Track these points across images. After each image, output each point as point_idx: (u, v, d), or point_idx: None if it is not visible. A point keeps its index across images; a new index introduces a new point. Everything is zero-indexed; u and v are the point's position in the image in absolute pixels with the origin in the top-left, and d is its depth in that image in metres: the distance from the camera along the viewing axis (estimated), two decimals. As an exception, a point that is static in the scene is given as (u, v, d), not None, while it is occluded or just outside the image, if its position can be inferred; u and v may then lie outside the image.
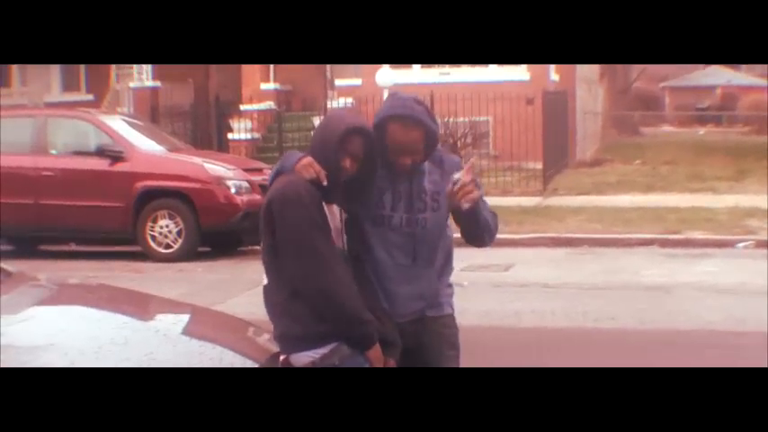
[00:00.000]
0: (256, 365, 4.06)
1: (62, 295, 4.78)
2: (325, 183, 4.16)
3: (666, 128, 50.45)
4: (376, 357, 4.21)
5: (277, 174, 4.30)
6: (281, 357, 4.24)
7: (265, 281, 4.33)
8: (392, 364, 4.28)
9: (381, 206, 4.43)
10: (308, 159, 4.21)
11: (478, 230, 4.50)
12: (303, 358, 4.17)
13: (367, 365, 4.18)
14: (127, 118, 17.82)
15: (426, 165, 4.46)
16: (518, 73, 22.33)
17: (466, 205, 4.33)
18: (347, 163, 4.21)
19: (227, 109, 24.11)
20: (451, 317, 4.65)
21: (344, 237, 4.33)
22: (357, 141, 4.21)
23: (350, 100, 22.04)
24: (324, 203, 4.22)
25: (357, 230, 4.39)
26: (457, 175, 4.31)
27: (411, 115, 4.34)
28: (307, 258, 4.12)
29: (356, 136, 4.22)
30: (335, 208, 4.30)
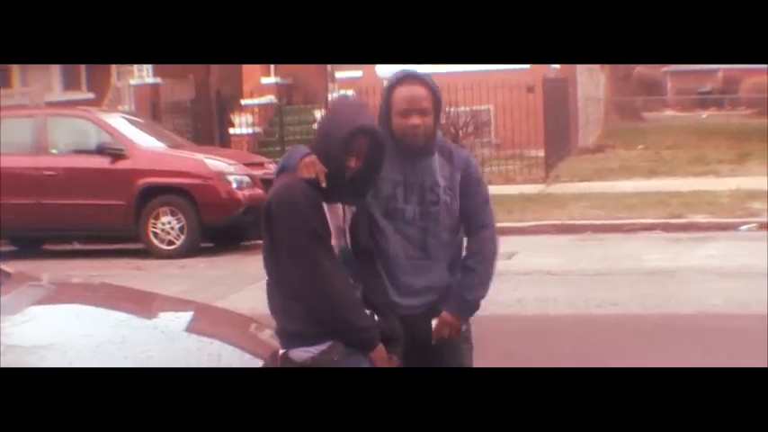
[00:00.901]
0: (258, 362, 4.06)
1: (61, 295, 4.78)
2: (324, 184, 4.10)
3: (669, 112, 50.34)
4: (379, 358, 4.19)
5: (281, 170, 4.29)
6: (281, 352, 4.24)
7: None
8: (395, 360, 4.26)
9: (394, 198, 4.41)
10: (311, 158, 4.15)
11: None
12: (302, 354, 4.16)
13: (365, 363, 4.16)
14: (126, 115, 17.82)
15: (437, 159, 4.45)
16: (517, 61, 22.26)
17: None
18: (352, 162, 4.14)
19: (228, 104, 24.11)
20: None
21: (348, 235, 4.29)
22: (362, 141, 4.13)
23: (351, 92, 22.00)
24: (325, 203, 4.17)
25: (368, 223, 4.37)
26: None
27: (413, 73, 4.47)
28: (303, 266, 4.10)
29: (362, 136, 4.13)
30: (338, 206, 4.25)
